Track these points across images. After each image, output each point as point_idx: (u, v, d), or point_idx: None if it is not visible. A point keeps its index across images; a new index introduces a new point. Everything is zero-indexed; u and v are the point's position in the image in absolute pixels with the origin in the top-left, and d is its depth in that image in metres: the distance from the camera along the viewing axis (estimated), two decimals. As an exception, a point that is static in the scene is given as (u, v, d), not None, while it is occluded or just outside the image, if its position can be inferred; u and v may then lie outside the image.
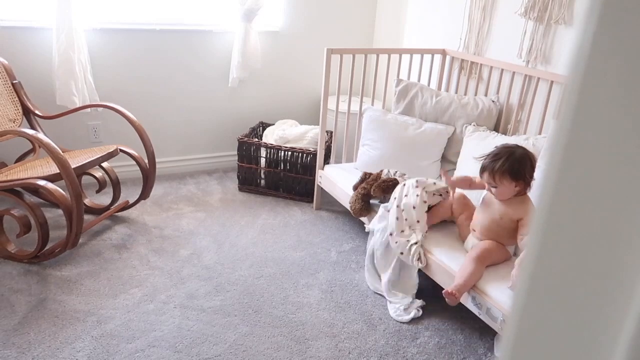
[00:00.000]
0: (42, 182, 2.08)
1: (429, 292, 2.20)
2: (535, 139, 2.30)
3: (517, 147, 1.89)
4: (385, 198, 2.34)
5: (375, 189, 2.27)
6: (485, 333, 1.96)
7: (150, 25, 2.97)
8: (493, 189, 1.88)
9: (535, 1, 2.39)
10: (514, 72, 2.56)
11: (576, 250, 0.31)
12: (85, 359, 1.71)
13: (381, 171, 2.40)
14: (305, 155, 2.94)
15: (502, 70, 2.63)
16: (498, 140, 2.40)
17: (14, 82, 2.56)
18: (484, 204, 1.99)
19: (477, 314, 1.80)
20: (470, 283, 1.80)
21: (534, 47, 2.45)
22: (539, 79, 2.43)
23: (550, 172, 0.30)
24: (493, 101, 2.65)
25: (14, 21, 2.65)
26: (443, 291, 1.81)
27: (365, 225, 2.33)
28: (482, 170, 1.88)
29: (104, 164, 2.60)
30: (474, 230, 1.99)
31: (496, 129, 2.66)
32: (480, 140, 2.45)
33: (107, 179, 2.63)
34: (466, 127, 2.62)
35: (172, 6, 3.02)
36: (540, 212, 0.31)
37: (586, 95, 0.28)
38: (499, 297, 1.73)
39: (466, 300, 1.83)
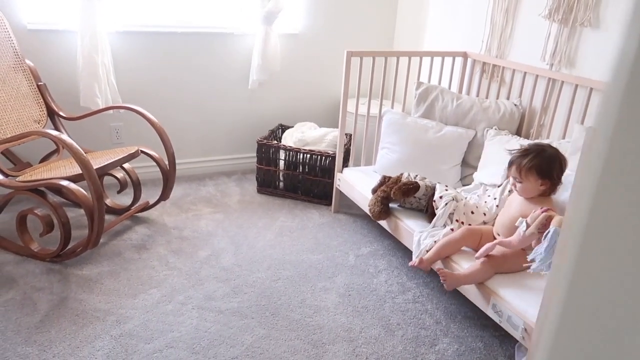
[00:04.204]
0: (65, 183, 2.11)
1: (448, 298, 2.17)
2: (559, 144, 2.25)
3: (549, 146, 1.90)
4: (405, 201, 2.32)
5: (395, 192, 2.25)
6: (505, 341, 1.92)
7: (172, 28, 3.01)
8: (518, 184, 1.88)
9: (560, 3, 2.35)
10: (537, 76, 2.51)
11: (614, 265, 0.29)
12: (104, 358, 1.73)
13: (401, 174, 2.38)
14: (324, 157, 2.93)
15: (525, 73, 2.59)
16: (520, 144, 2.36)
17: (39, 84, 2.61)
18: (506, 205, 1.99)
19: (497, 321, 1.76)
20: (471, 278, 1.81)
21: (558, 50, 2.40)
22: (562, 82, 2.38)
23: (587, 184, 0.28)
24: (515, 105, 2.61)
25: (40, 24, 2.71)
26: (437, 268, 1.89)
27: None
28: (510, 164, 1.90)
29: (125, 165, 2.63)
30: (498, 235, 1.96)
31: (518, 133, 2.61)
32: (502, 144, 2.41)
33: (128, 179, 2.67)
34: (487, 130, 2.58)
35: (193, 9, 3.05)
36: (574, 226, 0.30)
37: (629, 102, 0.27)
38: (520, 305, 1.69)
39: (486, 308, 1.80)
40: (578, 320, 0.30)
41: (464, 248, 2.01)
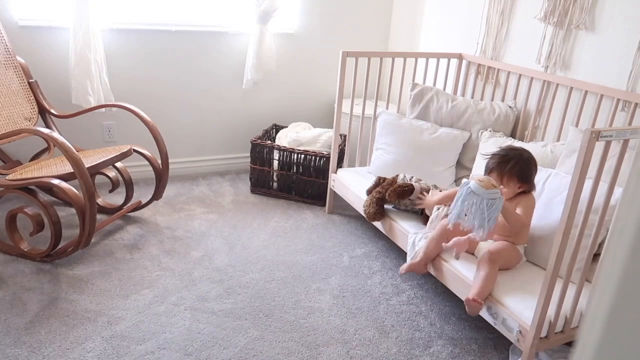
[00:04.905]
0: (56, 181, 2.08)
1: (442, 300, 2.16)
2: (554, 146, 2.26)
3: (523, 150, 1.96)
4: (400, 203, 2.31)
5: (390, 194, 2.24)
6: (499, 343, 1.92)
7: (166, 26, 2.98)
8: None
9: (556, 6, 2.35)
10: (532, 78, 2.52)
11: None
12: None
13: (397, 176, 2.37)
14: (318, 158, 2.92)
15: (520, 75, 2.59)
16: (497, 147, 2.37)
17: (31, 81, 2.57)
18: None
19: (492, 324, 1.76)
20: (487, 286, 1.77)
21: (554, 52, 2.41)
22: (557, 84, 2.39)
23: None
24: (510, 107, 2.61)
25: (31, 20, 2.67)
26: (464, 298, 1.77)
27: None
28: (490, 171, 1.93)
29: (118, 164, 2.61)
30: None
31: (513, 135, 2.62)
32: (497, 146, 2.41)
33: (121, 178, 2.64)
34: (482, 132, 2.58)
35: (188, 7, 3.02)
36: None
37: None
38: (516, 307, 1.69)
39: (482, 310, 1.79)
40: (626, 322, 0.28)
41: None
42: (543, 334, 1.62)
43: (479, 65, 2.85)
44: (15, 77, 2.52)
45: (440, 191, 2.22)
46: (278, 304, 2.07)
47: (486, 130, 2.58)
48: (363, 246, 2.56)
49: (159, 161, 2.59)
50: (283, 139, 3.13)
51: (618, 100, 2.10)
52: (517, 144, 2.39)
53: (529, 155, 1.92)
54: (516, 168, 1.86)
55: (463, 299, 1.82)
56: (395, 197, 2.24)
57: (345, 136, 3.05)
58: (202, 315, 1.96)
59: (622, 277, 0.27)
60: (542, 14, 2.42)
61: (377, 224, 2.40)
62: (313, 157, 2.93)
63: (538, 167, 2.13)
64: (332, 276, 2.28)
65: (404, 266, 2.04)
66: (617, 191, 1.70)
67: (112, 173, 2.61)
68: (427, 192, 2.25)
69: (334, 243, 2.58)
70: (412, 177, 2.35)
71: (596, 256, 1.79)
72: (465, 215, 1.77)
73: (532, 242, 1.94)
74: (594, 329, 0.29)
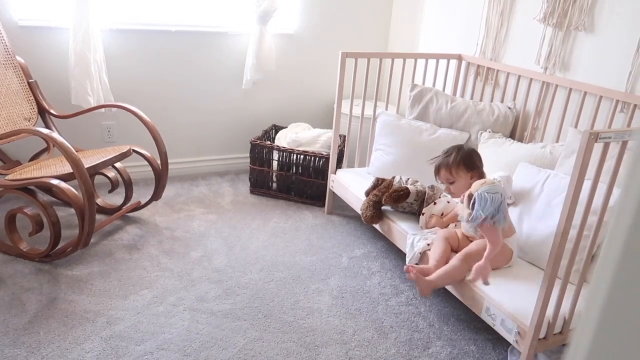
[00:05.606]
0: (55, 181, 2.08)
1: (441, 301, 2.16)
2: (553, 147, 2.26)
3: (461, 145, 2.13)
4: (397, 207, 2.31)
5: (386, 199, 2.25)
6: (498, 344, 1.92)
7: (166, 26, 2.98)
8: (451, 187, 2.01)
9: (555, 7, 2.36)
10: (531, 79, 2.52)
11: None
12: (94, 360, 1.70)
13: (393, 178, 2.37)
14: (317, 159, 2.92)
15: (519, 76, 2.59)
16: (514, 147, 2.37)
17: (30, 81, 2.58)
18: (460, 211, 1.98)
19: (490, 324, 1.76)
20: (447, 276, 1.82)
21: (553, 53, 2.41)
22: (557, 85, 2.39)
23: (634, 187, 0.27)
24: (509, 108, 2.61)
25: (31, 21, 2.67)
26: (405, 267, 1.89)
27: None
28: (438, 169, 2.05)
29: (117, 164, 2.61)
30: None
31: (512, 135, 2.62)
32: (496, 147, 2.41)
33: (120, 179, 2.64)
34: (481, 133, 2.58)
35: (187, 8, 3.03)
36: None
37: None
38: (514, 308, 1.69)
39: (480, 311, 1.80)
40: (618, 322, 0.29)
41: None
42: (542, 335, 1.63)
43: (479, 66, 2.85)
44: (15, 77, 2.52)
45: (440, 196, 2.23)
46: (277, 304, 2.07)
47: (485, 131, 2.58)
48: (362, 247, 2.57)
49: (159, 161, 2.59)
50: (282, 139, 3.13)
51: (617, 101, 2.10)
52: (516, 144, 2.40)
53: (470, 148, 2.08)
54: (459, 156, 1.99)
55: (459, 298, 1.84)
56: (391, 202, 2.24)
57: (344, 137, 3.05)
58: (201, 316, 1.96)
59: (613, 281, 0.27)
60: (542, 15, 2.42)
61: (376, 225, 2.40)
62: (312, 158, 2.93)
63: (538, 167, 2.14)
64: (331, 277, 2.28)
65: (412, 273, 1.89)
66: (616, 192, 1.70)
67: (111, 173, 2.61)
68: (424, 194, 2.25)
69: (333, 244, 2.58)
70: (408, 179, 2.34)
71: (595, 257, 1.79)
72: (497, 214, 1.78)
73: (531, 242, 1.94)
74: (586, 331, 0.29)
